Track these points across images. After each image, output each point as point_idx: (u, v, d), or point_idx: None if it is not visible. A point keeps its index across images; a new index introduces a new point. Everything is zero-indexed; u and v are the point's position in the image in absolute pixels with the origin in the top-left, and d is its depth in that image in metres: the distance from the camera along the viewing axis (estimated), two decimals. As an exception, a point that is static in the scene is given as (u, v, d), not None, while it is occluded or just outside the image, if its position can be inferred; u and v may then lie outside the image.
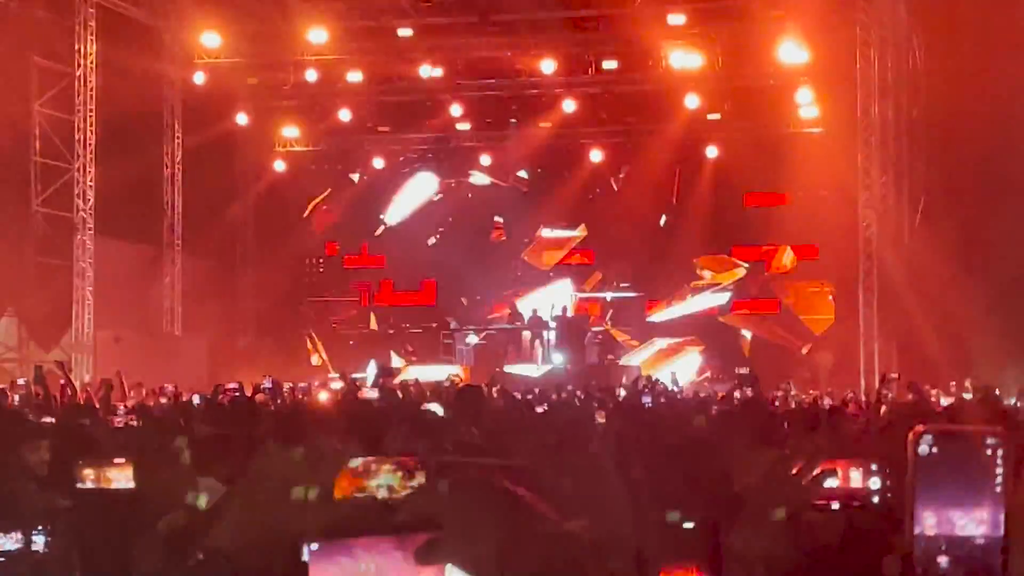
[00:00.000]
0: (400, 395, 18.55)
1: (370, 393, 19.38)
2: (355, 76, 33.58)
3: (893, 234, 30.45)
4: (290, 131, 36.72)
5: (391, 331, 38.95)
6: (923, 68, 30.39)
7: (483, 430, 9.11)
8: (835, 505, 4.31)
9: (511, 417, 11.00)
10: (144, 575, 3.45)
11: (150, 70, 32.87)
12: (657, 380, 26.01)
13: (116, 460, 5.90)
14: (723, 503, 3.49)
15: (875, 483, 4.42)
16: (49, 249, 30.89)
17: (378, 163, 37.55)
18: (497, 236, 39.40)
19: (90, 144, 30.93)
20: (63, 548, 4.98)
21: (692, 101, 33.14)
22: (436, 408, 12.55)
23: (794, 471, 3.62)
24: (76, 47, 30.59)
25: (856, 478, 4.46)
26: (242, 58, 34.09)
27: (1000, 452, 1.97)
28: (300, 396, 21.77)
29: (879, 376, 22.56)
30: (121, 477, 5.77)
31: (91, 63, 30.73)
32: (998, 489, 1.97)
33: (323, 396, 21.00)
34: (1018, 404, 17.30)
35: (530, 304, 37.45)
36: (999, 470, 1.97)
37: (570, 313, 37.21)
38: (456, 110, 34.84)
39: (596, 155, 36.39)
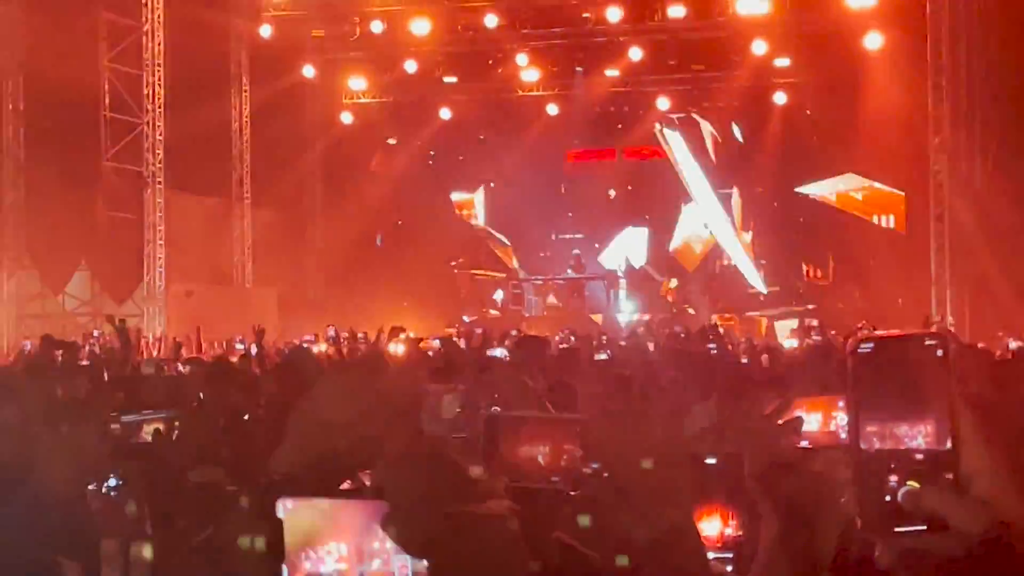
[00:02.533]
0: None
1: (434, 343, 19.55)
2: (421, 27, 33.53)
3: (964, 179, 30.16)
4: (357, 83, 36.71)
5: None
6: (995, 11, 29.93)
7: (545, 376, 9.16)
8: (804, 443, 4.32)
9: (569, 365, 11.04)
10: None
11: (217, 24, 32.98)
12: (719, 328, 25.88)
13: (145, 413, 5.77)
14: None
15: (842, 419, 4.44)
16: (120, 203, 31.22)
17: (445, 114, 37.50)
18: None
19: (159, 98, 31.16)
20: (129, 495, 5.02)
21: (760, 47, 32.82)
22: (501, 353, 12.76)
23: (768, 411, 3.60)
24: (143, 1, 30.78)
25: (822, 419, 4.49)
26: (308, 10, 34.18)
27: (942, 355, 1.90)
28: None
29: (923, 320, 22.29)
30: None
31: (159, 17, 30.91)
32: (943, 398, 1.90)
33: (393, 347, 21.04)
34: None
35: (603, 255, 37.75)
36: (944, 377, 1.90)
37: (639, 264, 37.22)
38: (522, 59, 34.74)
39: (663, 103, 36.14)
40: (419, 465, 2.01)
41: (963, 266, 29.46)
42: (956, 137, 30.23)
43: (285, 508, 2.11)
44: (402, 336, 16.76)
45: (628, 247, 38.45)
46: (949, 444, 1.87)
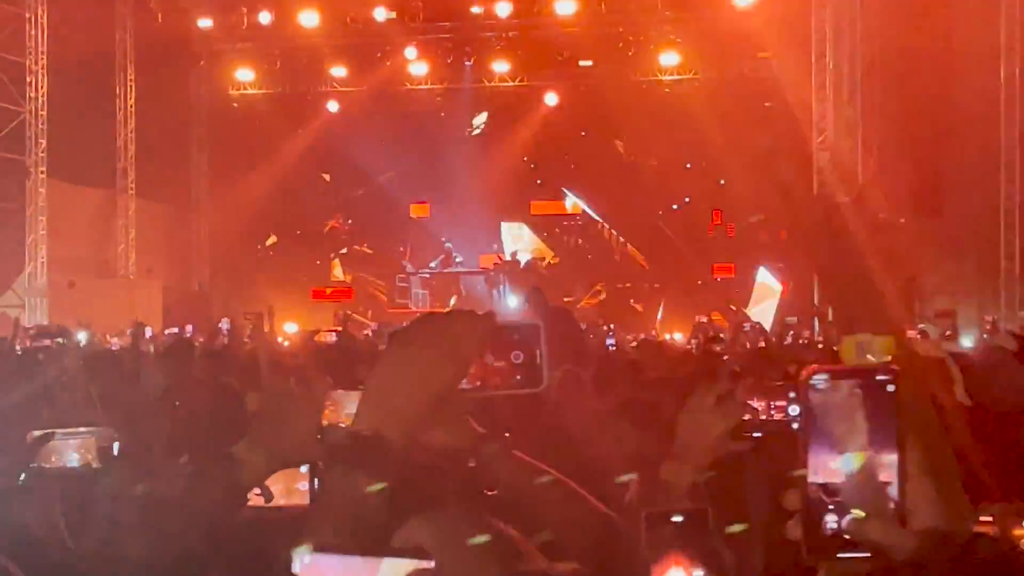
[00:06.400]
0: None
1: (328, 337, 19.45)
2: (309, 19, 33.35)
3: (847, 178, 30.63)
4: (244, 74, 36.40)
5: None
6: (877, 11, 30.45)
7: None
8: (756, 433, 4.39)
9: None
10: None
11: (102, 11, 32.53)
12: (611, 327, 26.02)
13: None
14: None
15: (793, 410, 4.53)
16: (1, 193, 30.66)
17: (332, 107, 37.25)
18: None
19: (42, 87, 30.67)
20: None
21: (651, 44, 33.20)
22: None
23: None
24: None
25: (776, 405, 4.57)
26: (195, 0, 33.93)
27: (892, 390, 1.99)
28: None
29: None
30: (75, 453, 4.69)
31: (42, 4, 30.43)
32: (891, 431, 1.99)
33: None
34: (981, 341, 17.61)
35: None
36: (892, 411, 1.98)
37: (524, 258, 37.33)
38: (411, 53, 34.71)
39: (551, 98, 36.28)
40: (472, 522, 1.99)
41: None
42: (839, 136, 30.72)
43: (302, 562, 2.00)
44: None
45: (511, 242, 38.61)
46: (895, 477, 1.95)
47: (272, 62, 35.76)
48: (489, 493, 2.90)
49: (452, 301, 36.94)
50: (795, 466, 2.05)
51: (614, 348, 15.18)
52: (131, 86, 34.42)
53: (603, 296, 37.18)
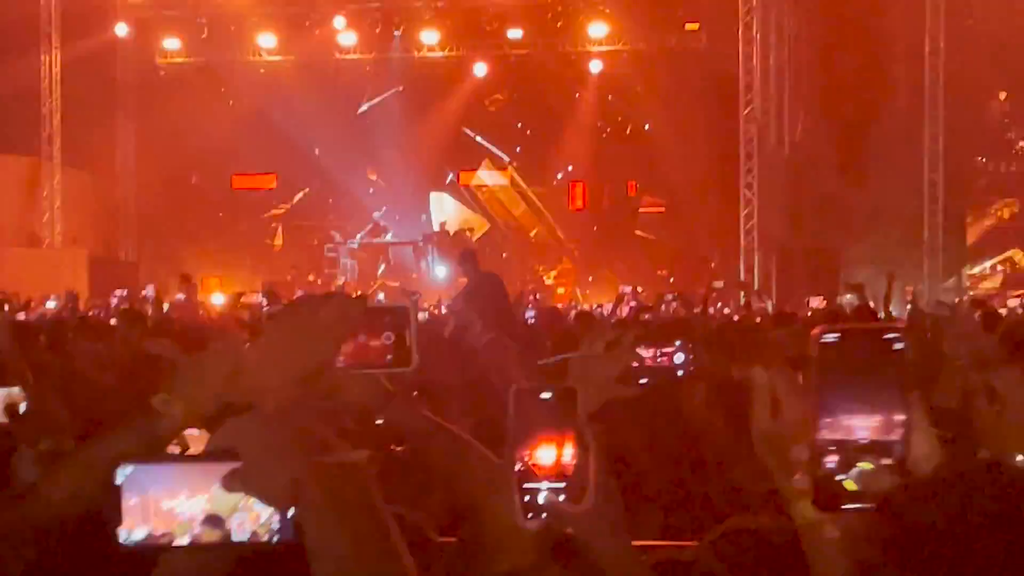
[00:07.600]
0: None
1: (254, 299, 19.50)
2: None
3: (773, 147, 30.84)
4: (171, 43, 36.09)
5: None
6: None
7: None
8: (644, 380, 4.59)
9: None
10: None
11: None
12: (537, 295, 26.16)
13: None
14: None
15: (679, 358, 4.78)
16: (-77, 162, 30.38)
17: (260, 76, 36.91)
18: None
19: (-35, 54, 30.34)
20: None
21: (577, 15, 33.16)
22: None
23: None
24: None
25: (663, 352, 4.82)
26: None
27: (901, 347, 2.04)
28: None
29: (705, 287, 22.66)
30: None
31: (-35, -31, 30.10)
32: (899, 388, 2.03)
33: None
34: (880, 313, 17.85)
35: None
36: (901, 370, 2.03)
37: (452, 228, 37.36)
38: (340, 22, 34.56)
39: (480, 68, 36.18)
40: (279, 422, 2.11)
41: (771, 232, 30.15)
42: (766, 106, 30.89)
43: (124, 475, 2.12)
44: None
45: (438, 211, 38.63)
46: (901, 433, 2.02)
47: (199, 30, 35.43)
48: (397, 449, 2.98)
49: (380, 271, 36.90)
50: (679, 411, 2.13)
51: (533, 321, 15.31)
52: (56, 53, 34.08)
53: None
